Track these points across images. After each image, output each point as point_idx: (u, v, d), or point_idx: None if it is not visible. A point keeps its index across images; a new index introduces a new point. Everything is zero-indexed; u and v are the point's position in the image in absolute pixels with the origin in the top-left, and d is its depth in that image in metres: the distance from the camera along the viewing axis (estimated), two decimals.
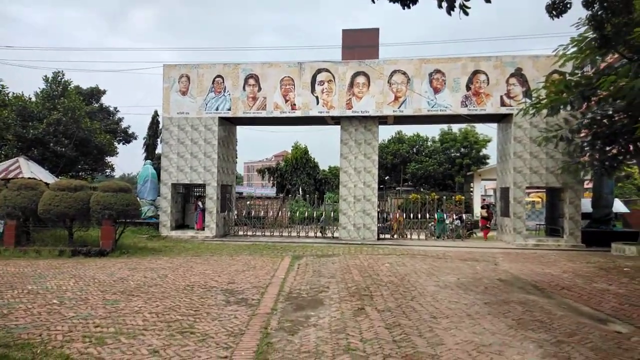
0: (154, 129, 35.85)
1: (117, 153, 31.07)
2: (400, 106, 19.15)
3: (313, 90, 19.60)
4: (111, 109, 35.28)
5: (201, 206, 20.48)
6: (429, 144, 46.97)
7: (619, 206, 21.17)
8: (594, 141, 16.92)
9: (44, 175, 17.47)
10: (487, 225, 21.19)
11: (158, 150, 33.39)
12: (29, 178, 15.79)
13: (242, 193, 50.49)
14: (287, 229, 22.02)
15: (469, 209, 28.89)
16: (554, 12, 8.09)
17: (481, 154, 42.41)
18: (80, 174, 25.38)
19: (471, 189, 33.49)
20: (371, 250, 15.74)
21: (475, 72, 18.82)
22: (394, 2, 6.91)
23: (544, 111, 16.65)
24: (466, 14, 5.34)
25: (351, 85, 19.41)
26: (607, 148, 16.60)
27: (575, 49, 15.41)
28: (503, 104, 18.62)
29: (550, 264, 12.60)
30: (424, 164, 43.16)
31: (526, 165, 18.36)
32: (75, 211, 13.88)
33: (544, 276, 10.56)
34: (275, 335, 5.83)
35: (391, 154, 46.40)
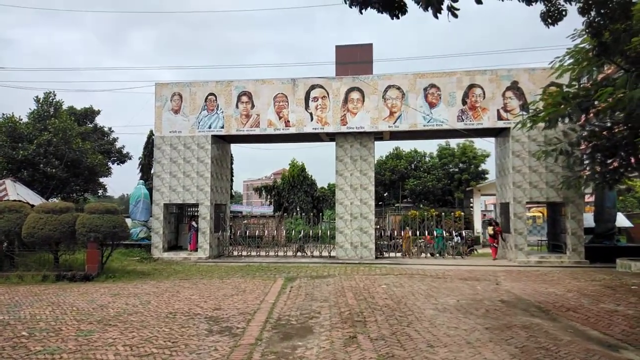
0: (150, 149, 35.39)
1: (111, 173, 30.66)
2: (395, 121, 18.83)
3: (307, 106, 19.30)
4: (105, 129, 34.97)
5: (195, 226, 20.00)
6: (427, 159, 46.64)
7: (622, 220, 20.67)
8: (594, 154, 16.52)
9: (31, 197, 17.03)
10: (495, 244, 19.47)
11: (153, 170, 33.00)
12: (14, 200, 15.34)
13: (241, 212, 50.02)
14: (283, 248, 21.48)
15: (469, 225, 28.38)
16: (549, 20, 7.76)
17: (480, 169, 42.05)
18: (71, 195, 24.91)
19: (471, 205, 33.02)
20: (368, 270, 15.21)
21: (471, 86, 18.54)
22: (382, 13, 6.59)
23: (542, 124, 16.34)
24: (455, 16, 4.99)
25: (345, 101, 19.11)
26: (608, 161, 16.21)
27: (571, 60, 15.16)
28: (500, 117, 18.30)
29: (554, 283, 12.08)
30: (423, 180, 42.74)
31: (525, 179, 17.94)
32: (60, 234, 13.40)
33: (548, 296, 10.05)
34: None
35: (389, 170, 46.03)
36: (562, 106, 15.23)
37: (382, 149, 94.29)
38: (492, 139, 20.86)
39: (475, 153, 41.87)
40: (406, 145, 48.50)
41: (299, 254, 20.42)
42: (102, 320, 7.77)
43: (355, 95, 19.13)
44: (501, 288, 11.27)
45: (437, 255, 20.06)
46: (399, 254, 20.06)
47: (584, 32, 14.11)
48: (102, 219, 13.54)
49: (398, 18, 6.56)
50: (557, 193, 17.64)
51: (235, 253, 20.87)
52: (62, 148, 21.90)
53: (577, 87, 15.32)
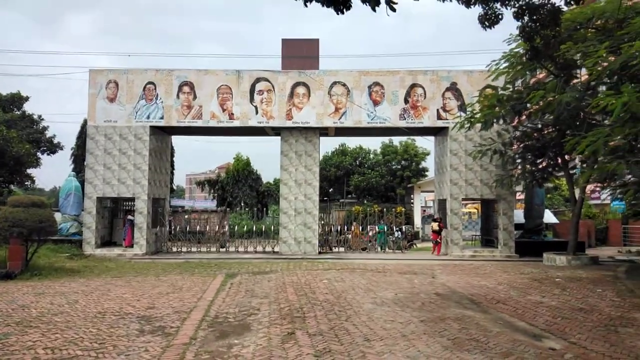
0: (83, 139, 33.42)
1: (40, 164, 28.64)
2: (340, 118, 18.94)
3: (252, 99, 18.97)
4: (35, 116, 32.65)
5: (131, 220, 19.11)
6: (372, 156, 47.47)
7: (549, 217, 22.07)
8: (525, 154, 17.53)
9: None
10: (439, 239, 19.17)
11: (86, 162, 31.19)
12: None
13: (183, 206, 48.50)
14: (226, 243, 21.02)
15: (409, 220, 29.19)
16: (486, 23, 8.04)
17: (421, 166, 43.36)
18: None
19: (412, 201, 34.00)
20: (311, 265, 15.22)
21: (413, 86, 19.01)
22: (326, 7, 6.53)
23: (478, 125, 17.09)
24: (393, 10, 5.01)
25: (291, 95, 18.98)
26: (538, 160, 17.23)
27: (507, 64, 15.96)
28: (439, 117, 18.90)
29: (486, 276, 12.65)
30: (367, 176, 43.47)
31: (462, 177, 18.67)
32: None
33: (480, 289, 10.49)
34: None
35: (334, 166, 46.40)
36: (497, 108, 16.01)
37: (328, 145, 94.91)
38: (432, 138, 21.52)
39: (416, 151, 43.12)
40: (351, 142, 49.11)
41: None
42: (22, 322, 7.19)
43: (301, 90, 19.03)
44: (437, 281, 11.65)
45: (379, 249, 20.47)
46: (347, 249, 20.21)
47: (518, 37, 14.87)
48: (26, 213, 12.61)
49: (343, 13, 6.51)
50: (491, 190, 18.52)
51: (175, 249, 20.18)
52: None
53: (511, 90, 16.15)
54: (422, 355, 5.67)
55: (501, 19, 7.77)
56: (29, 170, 26.51)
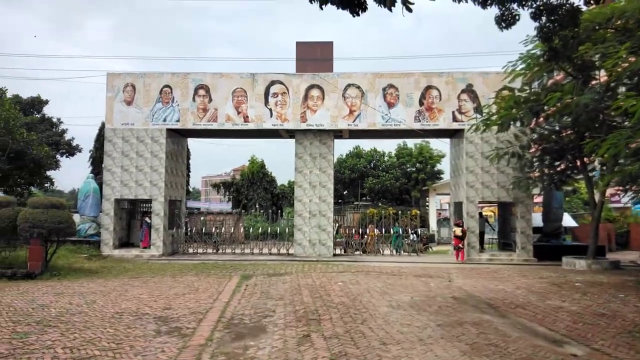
0: (101, 142, 33.97)
1: (59, 166, 29.17)
2: (355, 120, 18.90)
3: (267, 102, 19.05)
4: (54, 119, 33.26)
5: (148, 222, 19.32)
6: (386, 159, 47.26)
7: (568, 220, 21.70)
8: (543, 156, 17.26)
9: None
10: (461, 245, 17.75)
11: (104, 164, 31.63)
12: None
13: (199, 208, 48.88)
14: (241, 245, 21.11)
15: (424, 223, 28.99)
16: (502, 24, 7.96)
17: (436, 169, 43.02)
18: (14, 188, 23.51)
19: (427, 204, 33.76)
20: (325, 267, 15.18)
21: (428, 88, 18.88)
22: (342, 9, 6.52)
23: (495, 127, 16.88)
24: (409, 10, 4.98)
25: (305, 98, 19.00)
26: (556, 163, 16.95)
27: (523, 65, 15.74)
28: (455, 119, 18.73)
29: (503, 280, 12.47)
30: (381, 179, 43.27)
31: (478, 180, 18.46)
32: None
33: (498, 293, 10.34)
34: None
35: (349, 169, 46.32)
36: (514, 110, 15.80)
37: (342, 147, 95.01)
38: (447, 140, 21.34)
39: (431, 153, 42.80)
40: (366, 145, 49.04)
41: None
42: (42, 321, 7.30)
43: (315, 92, 19.05)
44: (453, 285, 11.51)
45: (394, 252, 20.35)
46: (362, 252, 20.15)
47: (535, 38, 14.65)
48: (46, 214, 12.80)
49: (358, 15, 6.51)
50: (508, 193, 18.27)
51: (191, 250, 20.34)
52: (5, 138, 20.59)
53: (528, 91, 15.93)
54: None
55: (518, 19, 7.67)
56: (48, 173, 27.04)
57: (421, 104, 18.83)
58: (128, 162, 18.90)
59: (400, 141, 44.69)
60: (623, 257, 18.83)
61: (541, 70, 15.53)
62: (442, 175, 41.30)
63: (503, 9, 7.49)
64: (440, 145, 51.24)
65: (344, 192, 47.65)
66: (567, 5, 7.36)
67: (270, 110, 19.02)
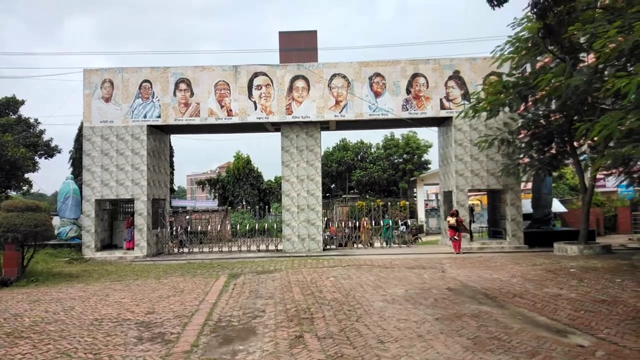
0: (81, 142, 33.09)
1: (38, 168, 28.32)
2: (341, 111, 18.49)
3: (250, 95, 18.52)
4: (31, 120, 32.23)
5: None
6: (373, 150, 47.03)
7: (557, 206, 21.61)
8: (532, 142, 17.07)
9: None
10: (456, 236, 16.70)
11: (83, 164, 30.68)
12: None
13: (185, 207, 48.08)
14: (229, 243, 20.61)
15: (413, 214, 28.78)
16: (494, 2, 7.63)
17: (423, 159, 42.93)
18: None
19: (415, 195, 33.56)
20: (316, 262, 14.80)
21: (415, 76, 18.54)
22: None
23: (484, 114, 16.62)
24: None
25: (290, 89, 18.52)
26: (546, 149, 16.77)
27: (512, 49, 15.47)
28: (443, 107, 18.44)
29: (497, 268, 12.23)
30: (369, 171, 43.06)
31: (467, 168, 18.21)
32: None
33: (493, 282, 10.07)
34: None
35: (336, 162, 46.00)
36: (502, 95, 15.55)
37: (329, 140, 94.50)
38: (436, 129, 21.06)
39: (418, 144, 42.68)
40: (352, 137, 48.71)
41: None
42: (13, 333, 6.80)
43: (300, 83, 18.57)
44: (447, 276, 11.23)
45: (384, 244, 20.07)
46: (352, 245, 19.84)
47: (523, 21, 14.36)
48: (21, 217, 12.22)
49: None
50: (497, 180, 18.07)
51: (176, 250, 19.79)
52: None
53: (516, 76, 15.69)
54: (442, 357, 5.26)
55: None
56: (27, 175, 26.17)
57: (408, 92, 18.49)
58: (108, 161, 18.24)
59: (387, 132, 44.47)
60: (613, 241, 18.82)
61: (529, 54, 15.28)
62: (429, 166, 41.21)
63: None
64: (427, 135, 51.15)
65: (332, 186, 47.36)
66: None
67: (255, 103, 18.51)
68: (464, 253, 16.60)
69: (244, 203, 37.04)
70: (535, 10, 7.12)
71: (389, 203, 23.42)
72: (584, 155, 17.60)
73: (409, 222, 22.04)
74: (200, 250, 19.51)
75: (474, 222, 22.20)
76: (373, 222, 20.70)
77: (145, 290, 10.28)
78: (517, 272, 11.30)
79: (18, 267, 12.22)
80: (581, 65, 14.85)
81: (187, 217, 26.28)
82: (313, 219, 18.66)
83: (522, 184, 19.59)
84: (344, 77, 18.55)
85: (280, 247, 19.22)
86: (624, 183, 15.07)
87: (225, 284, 10.87)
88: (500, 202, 19.29)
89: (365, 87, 18.50)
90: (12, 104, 31.40)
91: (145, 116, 18.35)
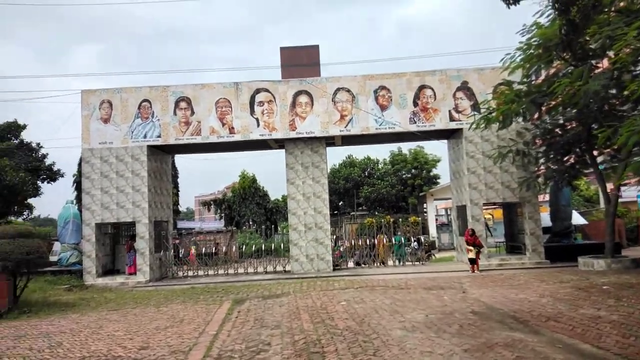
0: None
1: (40, 193, 27.90)
2: (347, 125, 17.87)
3: (252, 111, 17.97)
4: (33, 144, 31.93)
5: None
6: (380, 166, 46.29)
7: (577, 218, 20.67)
8: (549, 152, 16.30)
9: None
10: (474, 255, 15.67)
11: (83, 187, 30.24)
12: None
13: (193, 229, 47.42)
14: (235, 264, 19.80)
15: (424, 230, 27.90)
16: (510, 0, 7.00)
17: (432, 173, 42.07)
18: None
19: (425, 210, 32.69)
20: (326, 284, 13.97)
21: (421, 87, 17.93)
22: None
23: (495, 125, 15.92)
24: None
25: (293, 105, 17.96)
26: (564, 159, 15.98)
27: (522, 55, 14.84)
28: (452, 118, 17.76)
29: (522, 287, 11.34)
30: (377, 187, 42.23)
31: (481, 180, 17.42)
32: None
33: (522, 303, 9.21)
34: None
35: (343, 179, 45.27)
36: (515, 104, 14.85)
37: (335, 157, 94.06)
38: (444, 142, 20.35)
39: (426, 158, 41.88)
40: (359, 153, 48.12)
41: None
42: None
43: (303, 98, 18.02)
44: (469, 297, 10.37)
45: (397, 262, 19.20)
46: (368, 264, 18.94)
47: (533, 27, 13.75)
48: (12, 245, 11.59)
49: None
50: (514, 193, 17.24)
51: (181, 274, 19.04)
52: None
53: (529, 81, 15.03)
54: None
55: None
56: (30, 200, 25.68)
57: (415, 104, 17.85)
58: (108, 183, 17.66)
59: (394, 147, 43.78)
60: (637, 254, 17.81)
61: (541, 60, 14.65)
62: (438, 180, 40.33)
63: None
64: (435, 149, 50.34)
65: (340, 203, 46.57)
66: None
67: (257, 119, 17.94)
68: (481, 271, 15.69)
69: (250, 222, 36.37)
70: (557, 4, 6.45)
71: (400, 219, 22.59)
72: (604, 164, 16.76)
73: (421, 238, 21.19)
74: (206, 273, 18.74)
75: (491, 236, 21.22)
76: (385, 239, 19.85)
77: (142, 320, 9.51)
78: (545, 291, 10.42)
79: (9, 297, 11.53)
80: (597, 71, 14.18)
81: (192, 239, 25.58)
82: (321, 237, 17.88)
83: (542, 196, 18.76)
84: (348, 91, 17.98)
85: (288, 267, 18.41)
86: None
87: (228, 311, 10.09)
88: (517, 215, 18.42)
89: (370, 100, 17.90)
90: (14, 128, 31.15)
91: (145, 136, 17.83)
